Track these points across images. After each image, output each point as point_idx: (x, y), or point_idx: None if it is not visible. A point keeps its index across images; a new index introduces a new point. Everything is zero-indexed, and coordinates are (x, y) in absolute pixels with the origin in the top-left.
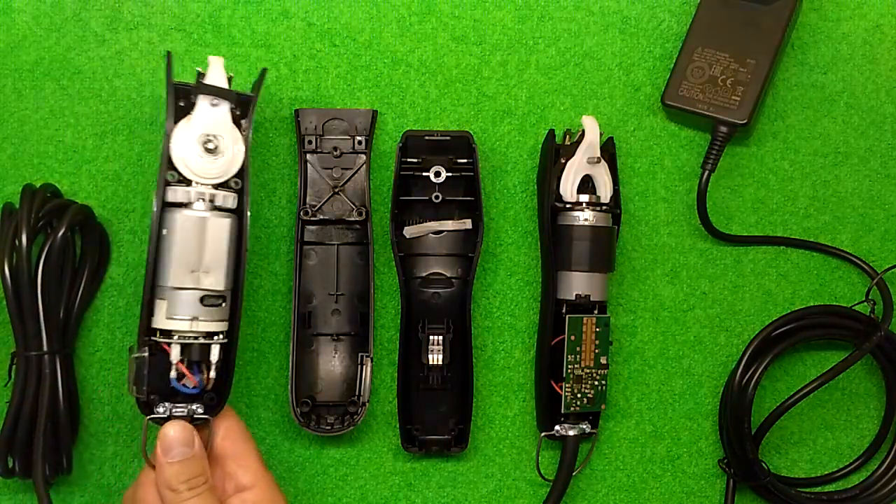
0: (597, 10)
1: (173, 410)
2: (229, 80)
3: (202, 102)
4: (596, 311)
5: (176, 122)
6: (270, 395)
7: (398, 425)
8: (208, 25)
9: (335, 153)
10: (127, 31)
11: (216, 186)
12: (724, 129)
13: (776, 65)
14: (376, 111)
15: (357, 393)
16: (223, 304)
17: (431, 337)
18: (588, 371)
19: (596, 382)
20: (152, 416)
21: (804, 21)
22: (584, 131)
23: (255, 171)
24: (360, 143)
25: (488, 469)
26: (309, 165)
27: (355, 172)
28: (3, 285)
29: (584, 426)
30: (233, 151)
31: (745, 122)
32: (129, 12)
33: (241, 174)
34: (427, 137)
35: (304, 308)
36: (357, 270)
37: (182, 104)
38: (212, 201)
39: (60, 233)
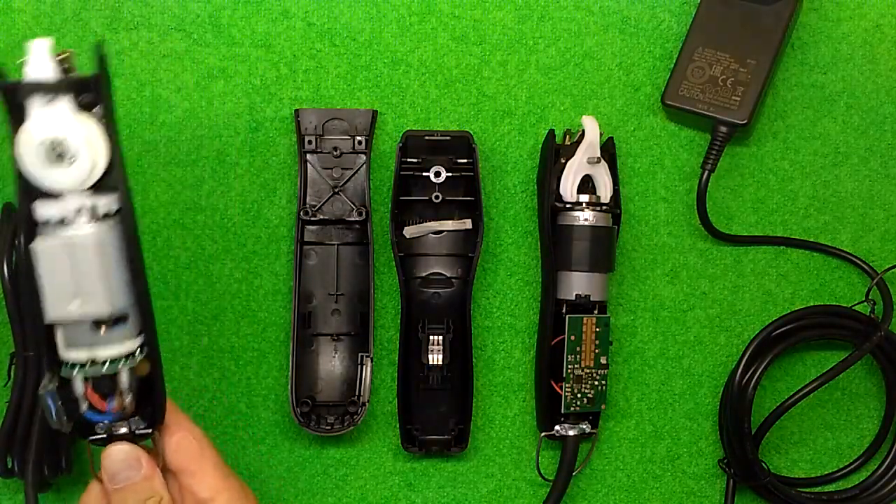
0: (597, 10)
1: (112, 429)
2: (64, 60)
3: (34, 101)
4: (596, 311)
5: (15, 132)
6: (270, 395)
7: (398, 425)
8: (208, 25)
9: (335, 153)
10: (127, 31)
11: (93, 190)
12: (724, 129)
13: (776, 65)
14: (376, 111)
15: (357, 393)
16: (127, 321)
17: (431, 337)
18: (588, 371)
19: (596, 382)
20: (93, 436)
21: (804, 21)
22: (584, 131)
23: (255, 171)
24: (360, 143)
25: (488, 469)
26: (309, 165)
27: (355, 172)
28: (2, 285)
29: (584, 426)
30: (91, 149)
31: (745, 122)
32: (129, 12)
33: (111, 170)
34: (427, 137)
35: (304, 308)
36: (357, 270)
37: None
38: (92, 211)
39: None
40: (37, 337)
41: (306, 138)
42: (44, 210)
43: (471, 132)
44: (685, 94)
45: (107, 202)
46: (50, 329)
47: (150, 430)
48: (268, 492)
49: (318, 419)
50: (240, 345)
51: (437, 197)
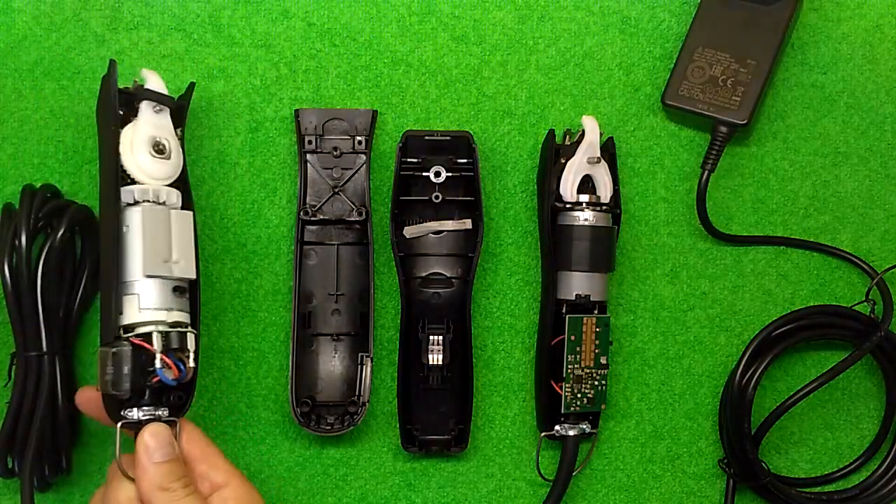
0: (597, 10)
1: (142, 415)
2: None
3: (146, 108)
4: (596, 311)
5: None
6: (270, 395)
7: (398, 425)
8: (208, 25)
9: (335, 153)
10: (127, 31)
11: (170, 186)
12: (724, 129)
13: (776, 65)
14: (376, 111)
15: (357, 393)
16: (189, 295)
17: (431, 337)
18: (588, 371)
19: (596, 382)
20: (126, 421)
21: (804, 21)
22: (584, 131)
23: (255, 171)
24: (360, 143)
25: (488, 469)
26: (309, 165)
27: (355, 172)
28: (2, 286)
29: (584, 426)
30: (177, 155)
31: (745, 122)
32: (129, 12)
33: (182, 177)
34: (427, 137)
35: (304, 308)
36: (357, 270)
37: (122, 112)
38: (164, 201)
39: (60, 233)
40: (51, 330)
41: (306, 138)
42: (138, 192)
43: (471, 132)
44: (685, 94)
45: (175, 196)
46: (68, 316)
47: (174, 419)
48: (268, 492)
49: (318, 419)
50: (240, 345)
51: (437, 197)
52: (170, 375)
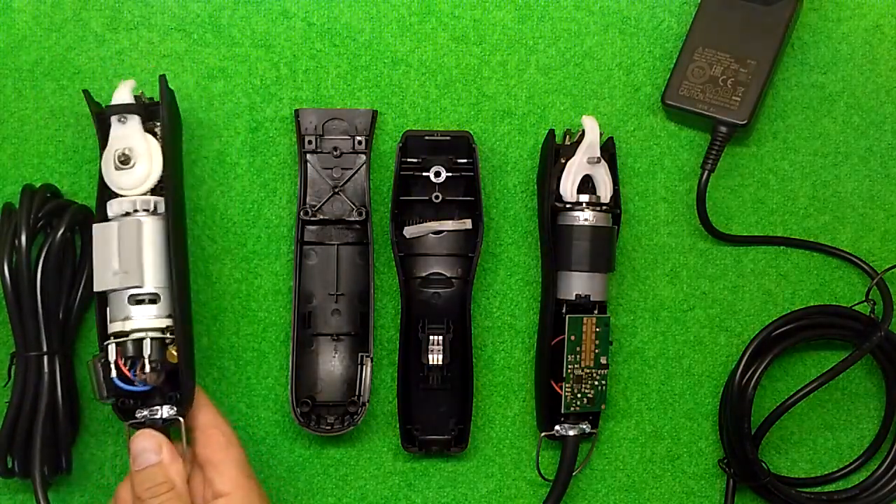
0: (597, 10)
1: (148, 414)
2: (139, 97)
3: (114, 123)
4: (596, 311)
5: (103, 148)
6: (270, 395)
7: (398, 425)
8: (208, 25)
9: (335, 153)
10: (127, 31)
11: (152, 193)
12: (723, 129)
13: (776, 65)
14: (376, 111)
15: (357, 393)
16: (158, 302)
17: (431, 337)
18: (588, 371)
19: (596, 382)
20: (133, 421)
21: (804, 21)
22: (584, 131)
23: (255, 171)
24: (360, 143)
25: (488, 469)
26: (309, 165)
27: (355, 172)
28: (2, 285)
29: (584, 426)
30: (150, 161)
31: (745, 122)
32: (129, 12)
33: (164, 178)
34: (427, 137)
35: (304, 308)
36: (357, 270)
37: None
38: (146, 209)
39: (60, 233)
40: (50, 329)
41: (306, 138)
42: (112, 206)
43: (471, 132)
44: (685, 93)
45: (154, 203)
46: (68, 316)
47: (177, 416)
48: (268, 492)
49: (318, 419)
50: (240, 345)
51: (437, 197)
52: (126, 383)
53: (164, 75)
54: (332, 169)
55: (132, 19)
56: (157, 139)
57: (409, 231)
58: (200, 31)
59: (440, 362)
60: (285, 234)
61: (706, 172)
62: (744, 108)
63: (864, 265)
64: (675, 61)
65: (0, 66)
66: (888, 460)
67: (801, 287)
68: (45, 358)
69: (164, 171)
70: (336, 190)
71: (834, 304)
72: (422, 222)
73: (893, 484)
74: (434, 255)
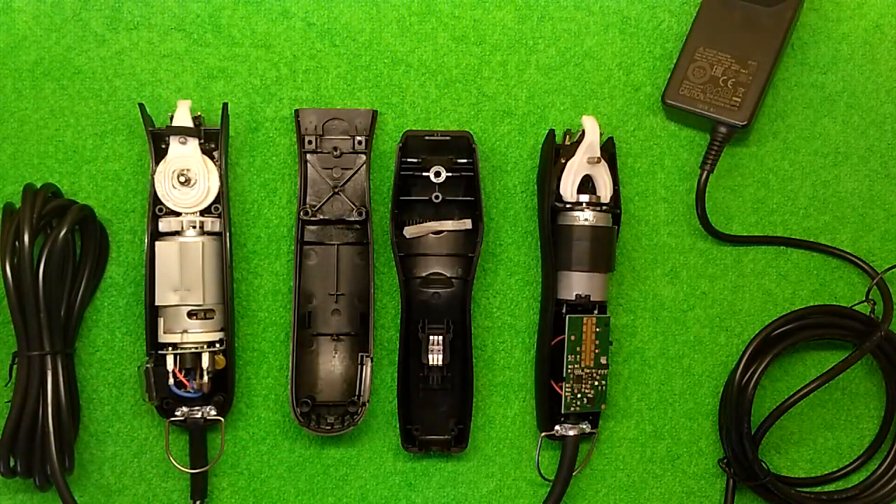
0: (597, 10)
1: (189, 414)
2: (197, 118)
3: (173, 142)
4: (596, 311)
5: (157, 163)
6: (270, 395)
7: (398, 425)
8: (208, 25)
9: (335, 153)
10: (127, 31)
11: (202, 213)
12: (723, 129)
13: (777, 66)
14: (376, 111)
15: (357, 393)
16: (213, 317)
17: (431, 337)
18: (588, 371)
19: (596, 382)
20: (173, 419)
21: (804, 21)
22: (584, 131)
23: (255, 171)
24: (360, 143)
25: (488, 469)
26: (309, 165)
27: (355, 172)
28: (4, 285)
29: (584, 426)
30: (207, 181)
31: (745, 123)
32: (129, 12)
33: (218, 200)
34: (427, 137)
35: (304, 308)
36: (357, 270)
37: (163, 146)
38: (201, 227)
39: (61, 233)
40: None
41: (306, 138)
42: (170, 223)
43: (471, 132)
44: (686, 93)
45: (210, 223)
46: (69, 316)
47: (219, 417)
48: (268, 492)
49: (318, 419)
50: (240, 345)
51: (437, 197)
52: (187, 389)
53: (226, 103)
54: (332, 169)
55: (132, 19)
56: (213, 161)
57: (409, 231)
58: (200, 31)
59: (440, 362)
60: (285, 234)
61: (706, 172)
62: (744, 110)
63: (864, 265)
64: (675, 61)
65: (0, 66)
66: (888, 460)
67: (801, 287)
68: (47, 358)
69: (219, 192)
70: (336, 190)
71: (834, 304)
72: (422, 222)
73: (893, 484)
74: (434, 255)
